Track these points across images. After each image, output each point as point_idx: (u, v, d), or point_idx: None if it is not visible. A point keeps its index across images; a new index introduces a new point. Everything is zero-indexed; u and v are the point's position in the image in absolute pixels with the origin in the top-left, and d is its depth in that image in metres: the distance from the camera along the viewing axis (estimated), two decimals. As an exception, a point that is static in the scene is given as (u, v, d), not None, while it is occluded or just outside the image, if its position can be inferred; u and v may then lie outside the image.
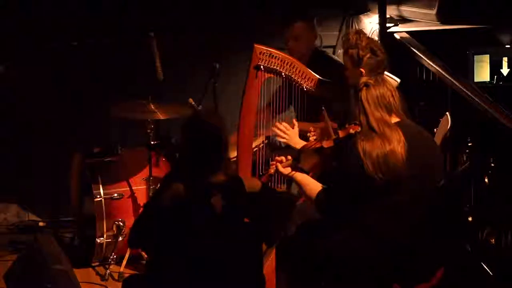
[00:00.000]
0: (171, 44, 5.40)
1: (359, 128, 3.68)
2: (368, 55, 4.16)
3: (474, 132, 4.77)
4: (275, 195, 3.75)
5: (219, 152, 3.47)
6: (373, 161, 3.56)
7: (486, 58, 5.58)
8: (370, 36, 5.38)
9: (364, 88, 3.68)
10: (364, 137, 3.63)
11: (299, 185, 3.88)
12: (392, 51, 4.34)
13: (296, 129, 4.37)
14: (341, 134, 3.81)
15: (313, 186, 3.80)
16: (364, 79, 3.75)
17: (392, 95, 3.69)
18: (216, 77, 4.95)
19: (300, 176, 3.88)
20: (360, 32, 4.26)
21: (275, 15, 5.62)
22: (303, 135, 4.46)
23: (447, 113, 4.54)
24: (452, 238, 4.51)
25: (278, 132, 4.36)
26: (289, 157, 3.97)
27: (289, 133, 4.34)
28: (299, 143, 4.28)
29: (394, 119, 3.69)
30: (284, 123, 4.38)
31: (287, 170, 3.92)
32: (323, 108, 4.10)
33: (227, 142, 3.53)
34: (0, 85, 5.56)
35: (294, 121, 4.41)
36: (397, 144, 3.59)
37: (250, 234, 3.49)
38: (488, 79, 5.61)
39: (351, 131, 3.74)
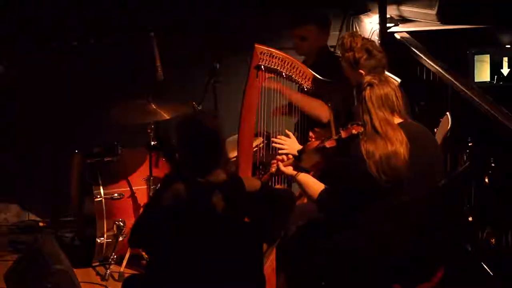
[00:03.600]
0: (171, 44, 5.40)
1: (362, 129, 3.68)
2: (364, 57, 4.14)
3: (474, 132, 4.77)
4: (275, 194, 3.74)
5: (214, 151, 3.45)
6: (376, 161, 3.56)
7: (486, 58, 5.56)
8: (370, 36, 5.39)
9: (368, 87, 3.67)
10: (367, 137, 3.62)
11: (300, 184, 3.87)
12: (392, 51, 4.33)
13: (293, 137, 4.35)
14: (343, 134, 3.80)
15: (315, 185, 3.80)
16: (368, 78, 3.74)
17: (396, 95, 3.68)
18: (216, 77, 4.94)
19: (302, 176, 3.88)
20: (354, 35, 4.24)
21: (276, 15, 5.61)
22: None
23: (447, 113, 4.54)
24: (452, 238, 4.51)
25: (277, 145, 4.34)
26: (290, 156, 3.96)
27: (287, 143, 4.32)
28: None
29: (397, 120, 3.69)
30: (279, 136, 4.37)
31: (288, 169, 3.92)
32: (329, 105, 4.08)
33: (223, 142, 3.51)
34: (0, 85, 5.56)
35: (287, 131, 4.40)
36: (400, 145, 3.58)
37: (250, 234, 3.49)
38: (488, 79, 5.60)
39: (354, 131, 3.73)
